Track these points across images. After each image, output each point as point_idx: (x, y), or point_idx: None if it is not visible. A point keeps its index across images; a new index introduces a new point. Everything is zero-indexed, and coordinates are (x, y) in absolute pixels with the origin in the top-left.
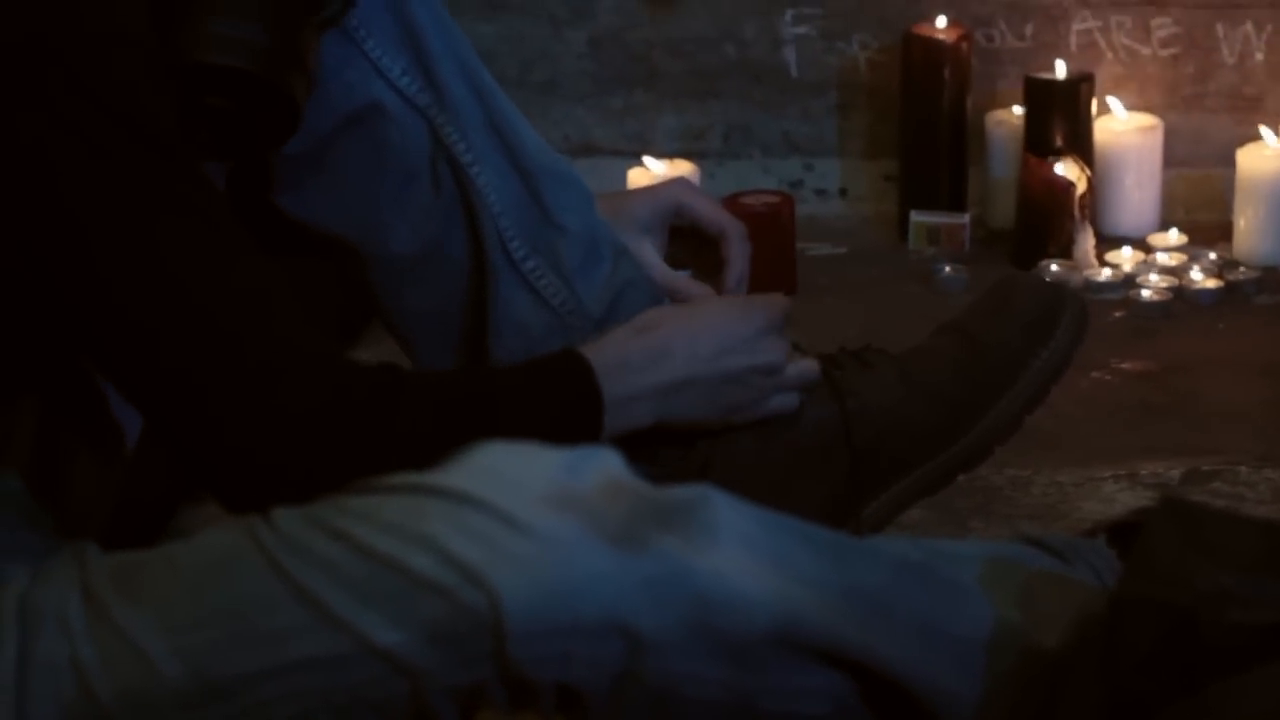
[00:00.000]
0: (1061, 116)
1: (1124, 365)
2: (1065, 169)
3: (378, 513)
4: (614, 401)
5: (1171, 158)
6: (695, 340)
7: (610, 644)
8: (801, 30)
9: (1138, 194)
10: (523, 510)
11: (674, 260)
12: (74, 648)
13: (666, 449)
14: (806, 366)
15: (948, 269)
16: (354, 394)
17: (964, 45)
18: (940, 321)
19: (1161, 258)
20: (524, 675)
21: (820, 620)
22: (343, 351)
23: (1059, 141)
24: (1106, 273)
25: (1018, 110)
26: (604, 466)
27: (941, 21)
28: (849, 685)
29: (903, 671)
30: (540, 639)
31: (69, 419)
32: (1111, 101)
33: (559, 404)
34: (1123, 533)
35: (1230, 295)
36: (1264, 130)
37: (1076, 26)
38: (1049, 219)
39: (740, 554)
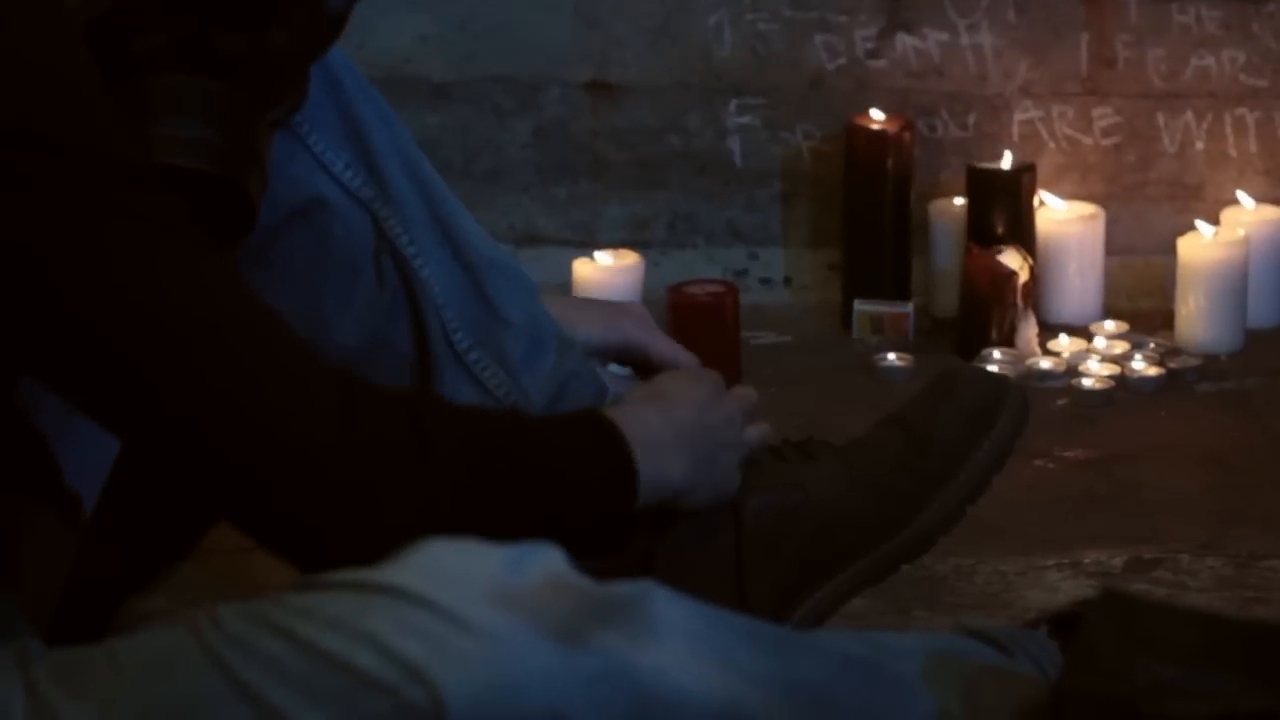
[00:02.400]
0: (1003, 206)
1: (1067, 453)
2: (1008, 258)
3: (321, 610)
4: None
5: (1113, 246)
6: (703, 410)
7: None
8: (745, 120)
9: (1080, 282)
10: (465, 607)
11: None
12: None
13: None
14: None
15: (892, 358)
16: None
17: (907, 135)
18: (884, 411)
19: (1103, 346)
20: None
21: (763, 717)
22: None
23: (1001, 230)
24: (1049, 361)
25: (960, 200)
26: (546, 562)
27: (884, 112)
28: None
29: None
30: None
31: (24, 488)
32: (1047, 195)
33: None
34: (1065, 623)
35: (1172, 383)
36: (1201, 224)
37: (1019, 116)
38: (992, 308)
39: (682, 651)
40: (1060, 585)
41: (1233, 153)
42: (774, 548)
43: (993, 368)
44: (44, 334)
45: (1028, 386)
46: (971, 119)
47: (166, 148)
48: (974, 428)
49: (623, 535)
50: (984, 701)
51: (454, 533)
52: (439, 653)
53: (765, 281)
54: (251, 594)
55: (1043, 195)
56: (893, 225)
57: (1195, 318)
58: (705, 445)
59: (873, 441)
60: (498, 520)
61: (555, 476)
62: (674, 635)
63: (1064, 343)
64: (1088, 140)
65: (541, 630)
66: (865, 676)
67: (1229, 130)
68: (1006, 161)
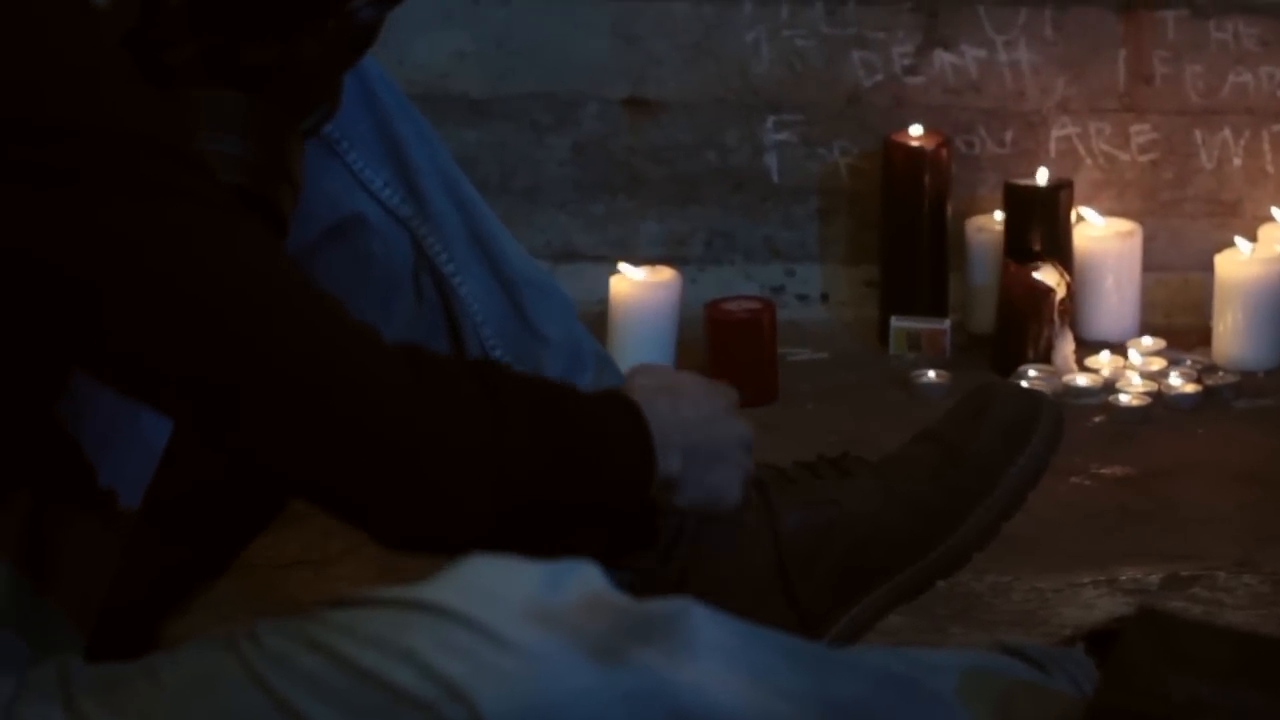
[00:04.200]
0: (1041, 222)
1: (1103, 470)
2: (1045, 275)
3: (361, 626)
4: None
5: (1150, 263)
6: (705, 403)
7: None
8: (782, 137)
9: (1117, 299)
10: (504, 625)
11: None
12: None
13: (645, 558)
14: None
15: (929, 374)
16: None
17: (944, 152)
18: (921, 427)
19: (1140, 362)
20: None
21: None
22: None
23: (1038, 247)
24: (1086, 378)
25: (998, 216)
26: (584, 580)
27: (921, 128)
28: None
29: None
30: None
31: (66, 497)
32: (1086, 211)
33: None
34: (1101, 640)
35: (1209, 400)
36: (1239, 240)
37: (1056, 133)
38: (1029, 324)
39: (720, 668)
40: (1097, 602)
41: (1270, 169)
42: (810, 564)
43: (1029, 384)
44: (93, 329)
45: (1065, 403)
46: (1009, 135)
47: None
48: (1009, 444)
49: (642, 519)
50: (1020, 719)
51: (520, 496)
52: (478, 671)
53: (802, 298)
54: (288, 610)
55: (1081, 211)
56: (930, 242)
57: (1232, 334)
58: (706, 449)
59: (908, 457)
60: (555, 485)
61: (599, 447)
62: (712, 653)
63: (1101, 359)
64: (1125, 157)
65: (580, 648)
66: (902, 694)
67: (1266, 147)
68: (1042, 178)
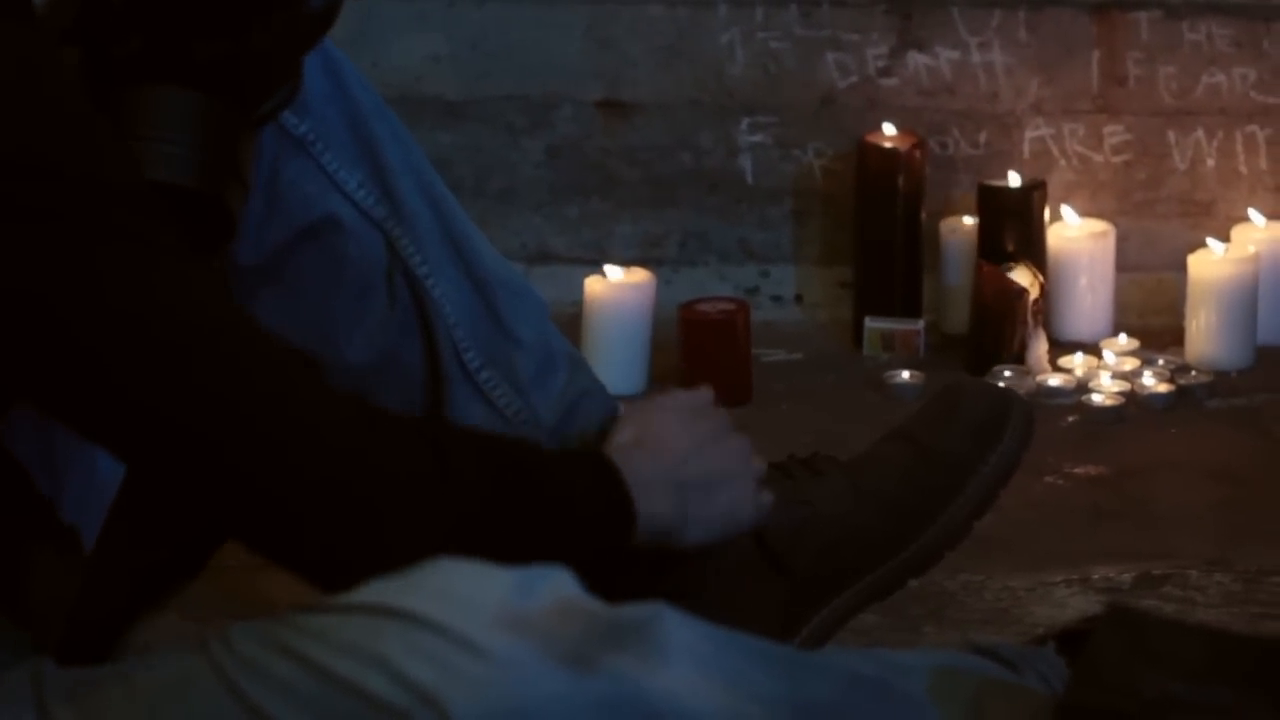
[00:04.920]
0: (1014, 223)
1: (1076, 470)
2: (1018, 275)
3: (333, 633)
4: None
5: (1124, 263)
6: (684, 432)
7: None
8: (757, 138)
9: (1090, 299)
10: (475, 632)
11: None
12: None
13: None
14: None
15: (903, 375)
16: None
17: (918, 153)
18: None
19: (1114, 362)
20: None
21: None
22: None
23: (1012, 248)
24: (1059, 378)
25: (971, 218)
26: (556, 586)
27: (895, 130)
28: None
29: None
30: None
31: (18, 520)
32: (1064, 209)
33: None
34: (1073, 639)
35: (1182, 399)
36: (1212, 241)
37: (1029, 134)
38: (1002, 325)
39: (692, 673)
40: (1069, 601)
41: (1243, 170)
42: (781, 564)
43: (1003, 384)
44: (52, 363)
45: (1038, 403)
46: (983, 137)
47: (145, 162)
48: (980, 442)
49: (618, 572)
50: (991, 718)
51: (466, 555)
52: (449, 677)
53: (776, 299)
54: (262, 612)
55: (1062, 209)
56: (904, 243)
57: (1206, 334)
58: (700, 482)
59: (878, 457)
60: (506, 548)
61: (562, 509)
62: (684, 657)
63: (1075, 359)
64: (1099, 158)
65: (551, 654)
66: (873, 695)
67: (1239, 147)
68: (1014, 180)
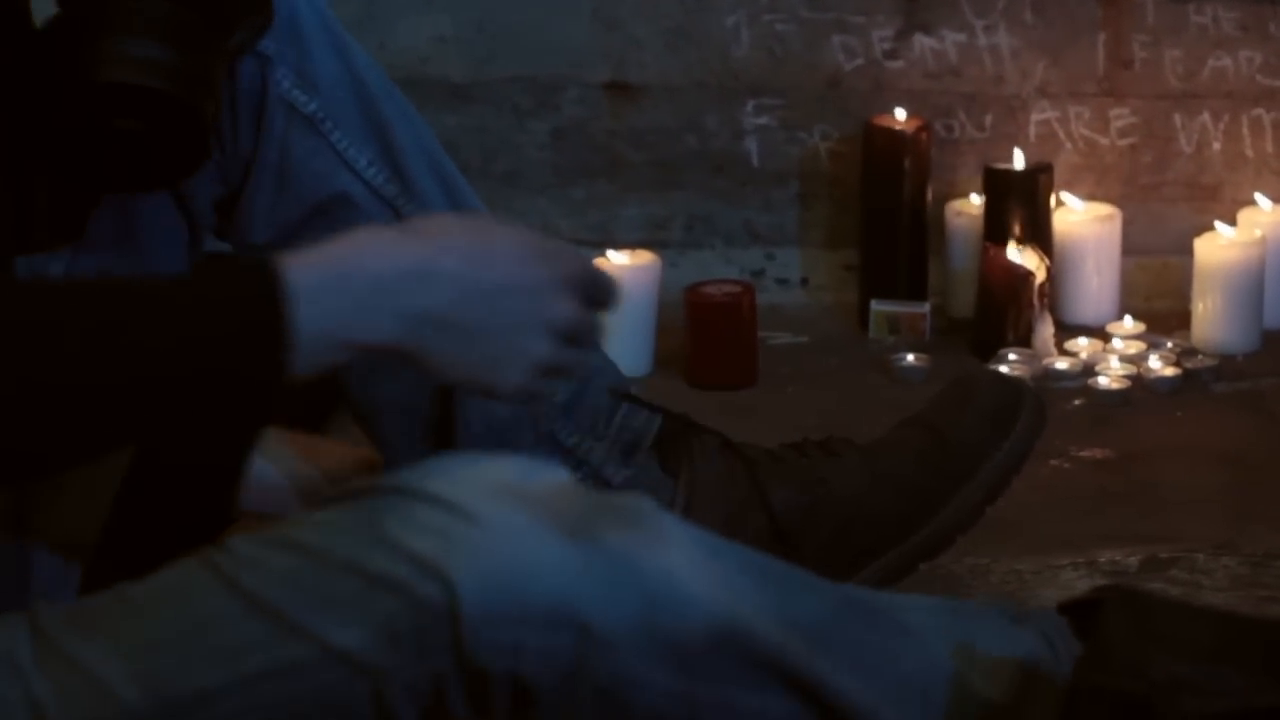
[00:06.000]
0: (1020, 206)
1: (1083, 453)
2: (1024, 258)
3: (332, 521)
4: (319, 323)
5: (1130, 246)
6: (476, 264)
7: (561, 636)
8: (763, 121)
9: (1096, 282)
10: (474, 502)
11: None
12: (26, 685)
13: None
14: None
15: (909, 358)
16: None
17: (924, 136)
18: (901, 410)
19: (1120, 346)
20: (479, 666)
21: (764, 632)
22: None
23: (1018, 231)
24: (1065, 361)
25: (977, 200)
26: (555, 474)
27: (902, 113)
28: (793, 712)
29: (846, 700)
30: (494, 626)
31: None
32: (1066, 196)
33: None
34: (1079, 612)
35: (1188, 383)
36: (1218, 224)
37: (1035, 117)
38: (1008, 308)
39: (688, 561)
40: (1076, 584)
41: (1249, 153)
42: (793, 543)
43: (1009, 368)
44: None
45: (1044, 387)
46: (988, 120)
47: (120, 66)
48: (994, 429)
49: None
50: (983, 657)
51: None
52: (450, 546)
53: (782, 282)
54: None
55: (1062, 195)
56: (910, 226)
57: (1212, 318)
58: (461, 323)
59: (893, 441)
60: (121, 371)
61: (178, 324)
62: (681, 546)
63: (1081, 343)
64: (1104, 141)
65: (551, 524)
66: (864, 620)
67: (1246, 131)
68: (1019, 162)
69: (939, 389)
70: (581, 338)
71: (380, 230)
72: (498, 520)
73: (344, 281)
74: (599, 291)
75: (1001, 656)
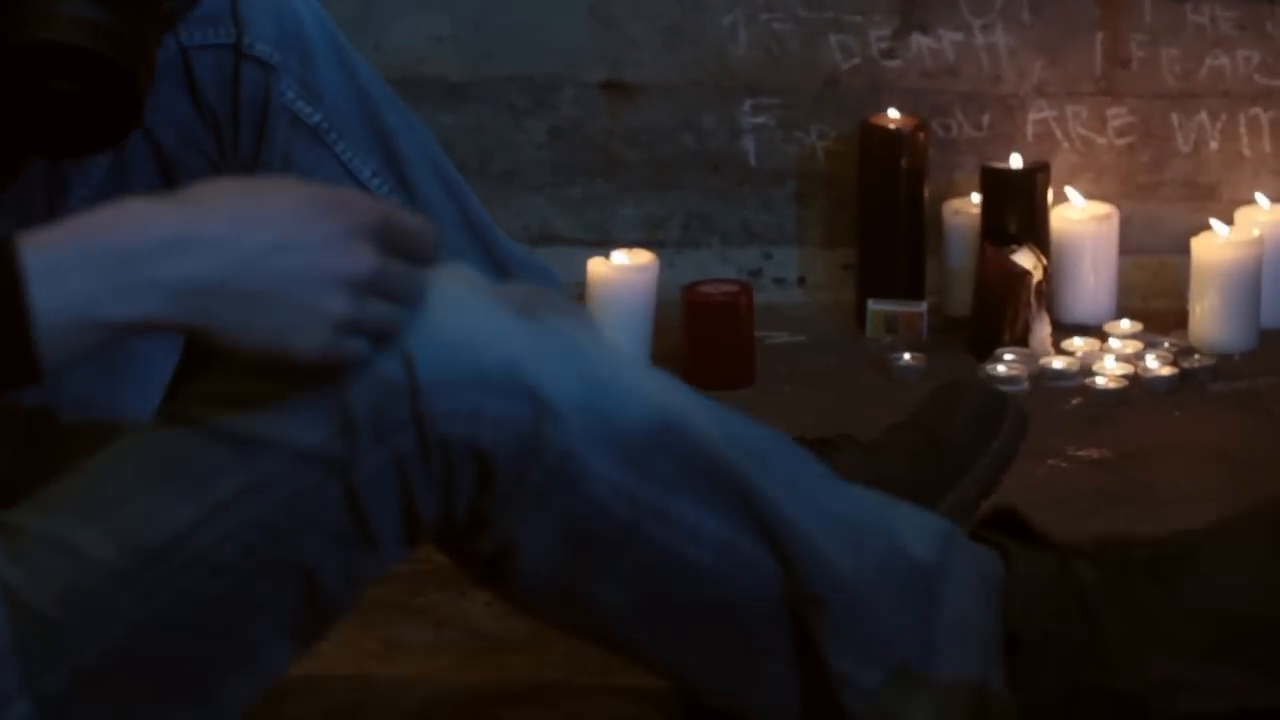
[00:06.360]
0: (1018, 205)
1: (1080, 452)
2: (1021, 257)
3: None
4: (62, 303)
5: (1127, 246)
6: (243, 225)
7: (516, 404)
8: (760, 120)
9: (1094, 282)
10: (424, 283)
11: None
12: None
13: None
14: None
15: (906, 357)
16: None
17: (921, 135)
18: (897, 409)
19: (1117, 345)
20: (440, 436)
21: (704, 435)
22: None
23: (1015, 230)
24: (1062, 360)
25: (974, 199)
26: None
27: (899, 112)
28: (731, 537)
29: (784, 522)
30: (451, 391)
31: None
32: (1068, 192)
33: None
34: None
35: (1185, 383)
36: (1215, 223)
37: (1033, 116)
38: (1005, 307)
39: (628, 357)
40: None
41: (1247, 152)
42: None
43: (1006, 367)
44: None
45: (1041, 386)
46: (986, 119)
47: (53, 25)
48: (982, 430)
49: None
50: (906, 519)
51: None
52: (405, 318)
53: (779, 281)
54: None
55: (1067, 191)
56: (907, 225)
57: (1209, 317)
58: (241, 286)
59: (888, 442)
60: None
61: None
62: (621, 349)
63: (1078, 342)
64: (1102, 140)
65: (498, 301)
66: (804, 459)
67: (1243, 130)
68: (1015, 161)
69: (927, 391)
70: (394, 292)
71: (135, 200)
72: (448, 295)
73: (88, 257)
74: (408, 241)
75: (926, 523)
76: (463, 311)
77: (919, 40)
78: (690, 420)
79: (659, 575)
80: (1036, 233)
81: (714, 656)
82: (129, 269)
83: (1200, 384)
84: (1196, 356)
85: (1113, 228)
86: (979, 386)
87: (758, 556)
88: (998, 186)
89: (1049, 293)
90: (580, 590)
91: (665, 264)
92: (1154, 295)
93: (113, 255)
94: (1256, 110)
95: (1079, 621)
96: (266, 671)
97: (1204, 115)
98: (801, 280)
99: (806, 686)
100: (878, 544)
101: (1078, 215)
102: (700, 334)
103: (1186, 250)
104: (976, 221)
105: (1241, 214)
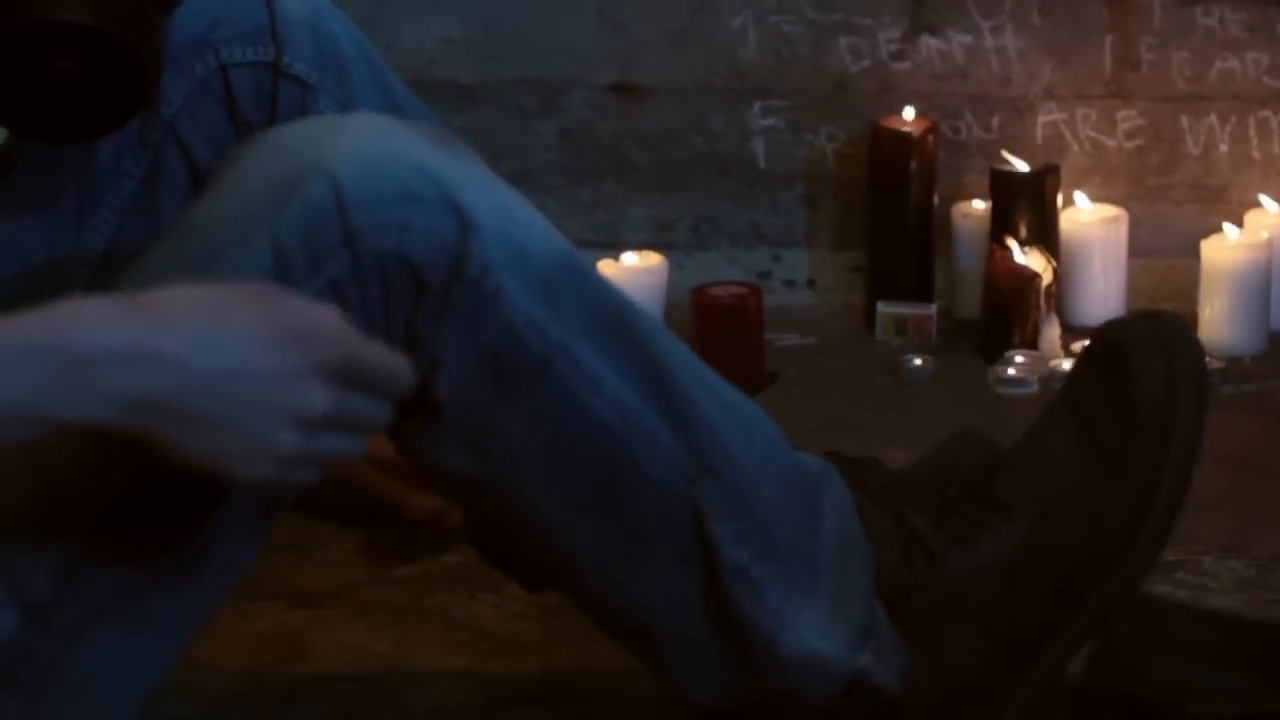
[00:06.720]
0: (1027, 208)
1: None
2: (1031, 260)
3: (215, 192)
4: (6, 398)
5: (1136, 248)
6: (198, 347)
7: (442, 217)
8: (769, 122)
9: (1103, 284)
10: (341, 117)
11: None
12: None
13: None
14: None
15: (915, 360)
16: None
17: (930, 137)
18: (907, 411)
19: None
20: (371, 248)
21: (608, 289)
22: None
23: (1024, 233)
24: (1072, 363)
25: (983, 202)
26: None
27: (909, 114)
28: (633, 402)
29: (681, 386)
30: (378, 205)
31: None
32: (1077, 194)
33: None
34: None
35: None
36: (1226, 226)
37: (1042, 119)
38: (1015, 309)
39: (536, 207)
40: None
41: (1256, 155)
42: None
43: (1015, 370)
44: None
45: (1050, 389)
46: (995, 121)
47: (56, 5)
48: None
49: None
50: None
51: None
52: (326, 143)
53: (789, 283)
54: (278, 593)
55: (1075, 194)
56: (916, 227)
57: (1218, 320)
58: (191, 407)
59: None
60: None
61: None
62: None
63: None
64: (1111, 142)
65: (413, 129)
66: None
67: (1253, 133)
68: (1025, 163)
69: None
70: (350, 427)
71: (95, 302)
72: (366, 120)
73: (35, 355)
74: (375, 379)
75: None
76: (383, 133)
77: (928, 42)
78: (595, 272)
79: (564, 420)
80: (1046, 235)
81: (611, 539)
82: (76, 373)
83: (1210, 387)
84: (1206, 359)
85: (1122, 230)
86: (1147, 351)
87: (658, 432)
88: (1007, 189)
89: (1058, 295)
90: (495, 427)
91: (674, 266)
92: (1163, 298)
93: (62, 356)
94: (1266, 113)
95: (925, 564)
96: (238, 559)
97: (1213, 118)
98: (811, 282)
99: (704, 594)
100: (764, 434)
101: (1087, 218)
102: (710, 336)
103: (1196, 253)
104: (986, 224)
105: (1251, 216)
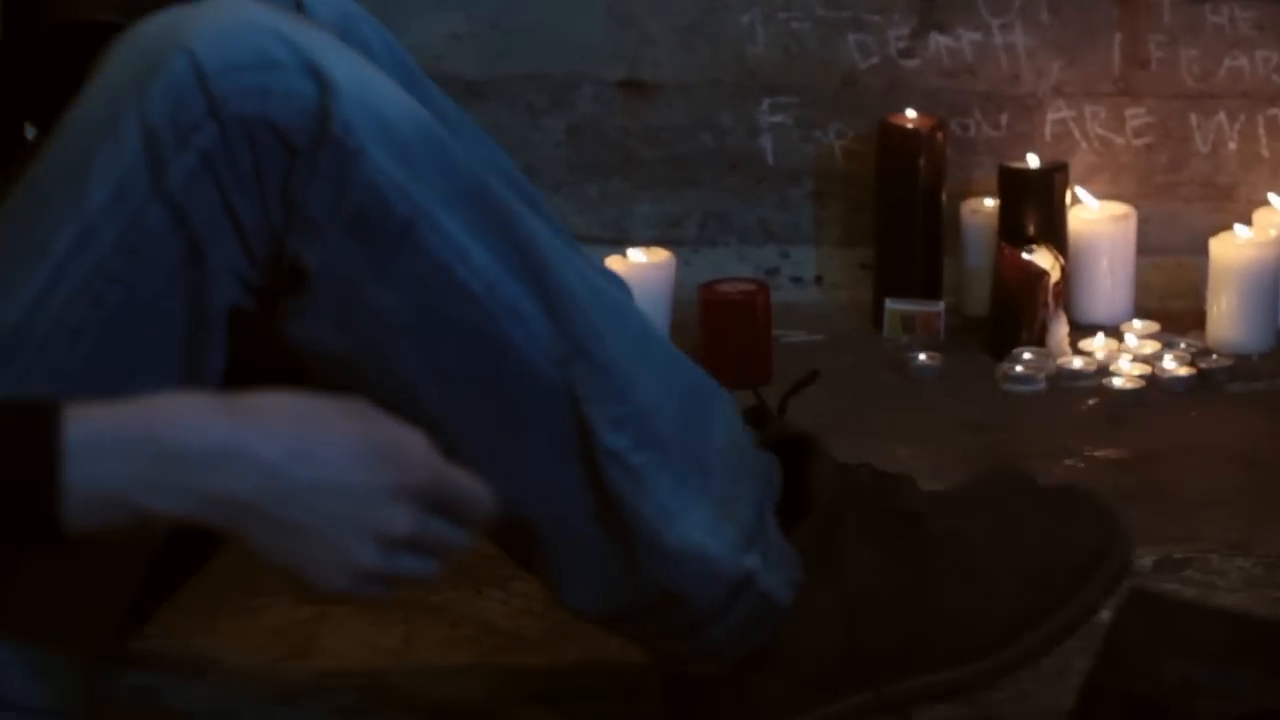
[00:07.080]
0: (1035, 205)
1: (1097, 453)
2: (1039, 257)
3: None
4: (96, 483)
5: (1145, 246)
6: (292, 456)
7: (301, 80)
8: (778, 119)
9: (1111, 282)
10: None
11: None
12: None
13: None
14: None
15: (922, 357)
16: None
17: (939, 134)
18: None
19: (1134, 346)
20: (235, 114)
21: (469, 164)
22: None
23: (1033, 230)
24: (1080, 361)
25: (991, 200)
26: None
27: (916, 111)
28: (501, 278)
29: (548, 264)
30: (238, 72)
31: None
32: (1081, 192)
33: None
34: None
35: (1203, 383)
36: (1237, 226)
37: (1051, 116)
38: (1023, 307)
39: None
40: None
41: (1265, 153)
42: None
43: (1023, 367)
44: None
45: (1058, 386)
46: (1004, 118)
47: (93, 4)
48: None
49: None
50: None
51: None
52: (181, 23)
53: (796, 280)
54: (280, 589)
55: (1078, 191)
56: (924, 224)
57: (1227, 318)
58: (276, 514)
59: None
60: None
61: None
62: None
63: (1095, 342)
64: (1120, 140)
65: (263, 2)
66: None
67: (1261, 131)
68: (1033, 161)
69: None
70: (430, 549)
71: (191, 397)
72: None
73: (129, 446)
74: (458, 505)
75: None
76: (236, 5)
77: (937, 40)
78: (457, 147)
79: (432, 291)
80: (1054, 233)
81: (487, 422)
82: (169, 468)
83: (1218, 384)
84: (1214, 357)
85: (1130, 228)
86: (1098, 520)
87: (528, 310)
88: (1015, 186)
89: (1066, 293)
90: (364, 295)
91: (682, 262)
92: (1171, 295)
93: (155, 451)
94: (1275, 111)
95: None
96: None
97: (1222, 116)
98: (819, 279)
99: (585, 485)
100: (637, 324)
101: (1095, 215)
102: (717, 333)
103: (1204, 250)
104: (994, 221)
105: (1260, 215)
